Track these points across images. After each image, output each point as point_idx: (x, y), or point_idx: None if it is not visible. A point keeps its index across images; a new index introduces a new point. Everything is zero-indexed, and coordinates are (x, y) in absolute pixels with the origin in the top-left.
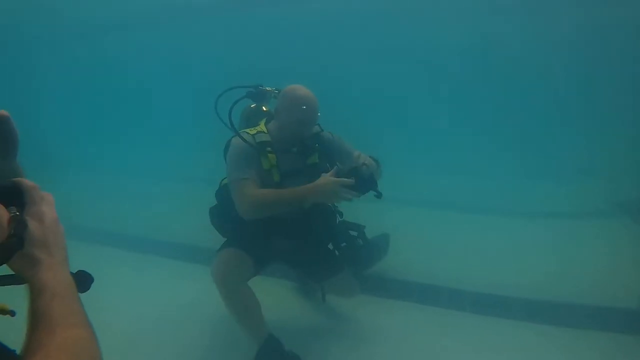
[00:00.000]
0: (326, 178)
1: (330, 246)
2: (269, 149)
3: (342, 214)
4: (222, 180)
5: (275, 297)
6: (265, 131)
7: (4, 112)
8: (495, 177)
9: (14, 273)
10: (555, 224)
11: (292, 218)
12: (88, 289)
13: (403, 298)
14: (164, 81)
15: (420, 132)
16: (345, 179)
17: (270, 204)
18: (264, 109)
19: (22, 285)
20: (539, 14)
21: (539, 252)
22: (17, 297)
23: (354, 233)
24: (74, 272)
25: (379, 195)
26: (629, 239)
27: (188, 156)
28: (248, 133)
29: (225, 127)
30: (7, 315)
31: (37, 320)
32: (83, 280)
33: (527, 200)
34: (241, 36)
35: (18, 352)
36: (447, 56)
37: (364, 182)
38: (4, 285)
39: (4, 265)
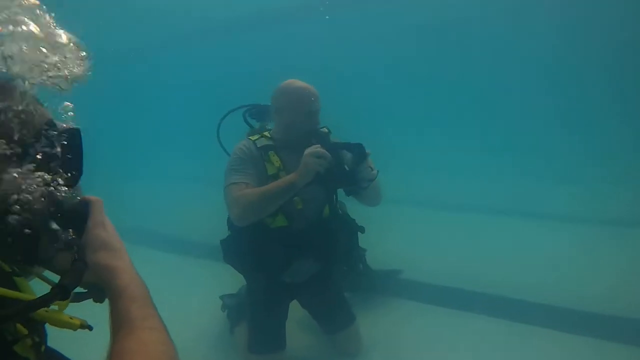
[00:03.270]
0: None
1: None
2: (271, 152)
3: (364, 229)
4: None
5: None
6: (268, 136)
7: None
8: (522, 180)
9: (86, 290)
10: (580, 229)
11: (310, 235)
12: (103, 300)
13: (426, 301)
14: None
15: (437, 133)
16: (319, 150)
17: (260, 199)
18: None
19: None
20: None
21: (565, 258)
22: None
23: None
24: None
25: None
26: None
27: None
28: (250, 139)
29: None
30: (86, 330)
31: (118, 323)
32: (101, 292)
33: (551, 204)
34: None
35: None
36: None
37: (351, 148)
38: (82, 300)
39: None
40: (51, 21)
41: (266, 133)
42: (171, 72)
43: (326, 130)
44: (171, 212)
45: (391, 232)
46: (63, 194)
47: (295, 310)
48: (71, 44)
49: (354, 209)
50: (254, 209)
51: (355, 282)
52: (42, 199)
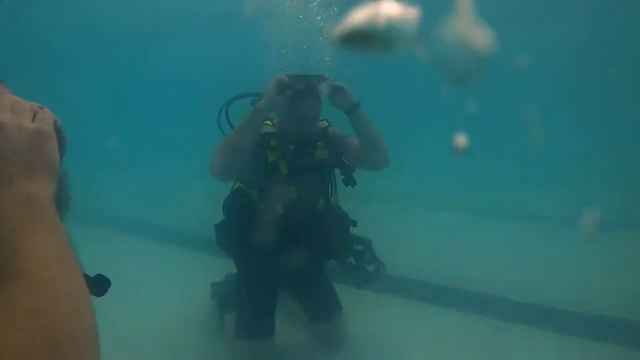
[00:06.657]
0: None
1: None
2: (273, 140)
3: (356, 223)
4: (234, 184)
5: None
6: (270, 124)
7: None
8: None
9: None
10: (565, 230)
11: (303, 225)
12: (104, 294)
13: (415, 297)
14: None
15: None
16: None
17: (229, 139)
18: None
19: None
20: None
21: (550, 259)
22: None
23: (359, 247)
24: (92, 275)
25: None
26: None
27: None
28: None
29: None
30: None
31: None
32: (99, 285)
33: (535, 205)
34: None
35: None
36: None
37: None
38: None
39: None
40: None
41: (269, 122)
42: (166, 64)
43: (326, 123)
44: (163, 204)
45: (382, 230)
46: None
47: (284, 305)
48: None
49: (346, 205)
50: (229, 152)
51: (357, 277)
52: None
